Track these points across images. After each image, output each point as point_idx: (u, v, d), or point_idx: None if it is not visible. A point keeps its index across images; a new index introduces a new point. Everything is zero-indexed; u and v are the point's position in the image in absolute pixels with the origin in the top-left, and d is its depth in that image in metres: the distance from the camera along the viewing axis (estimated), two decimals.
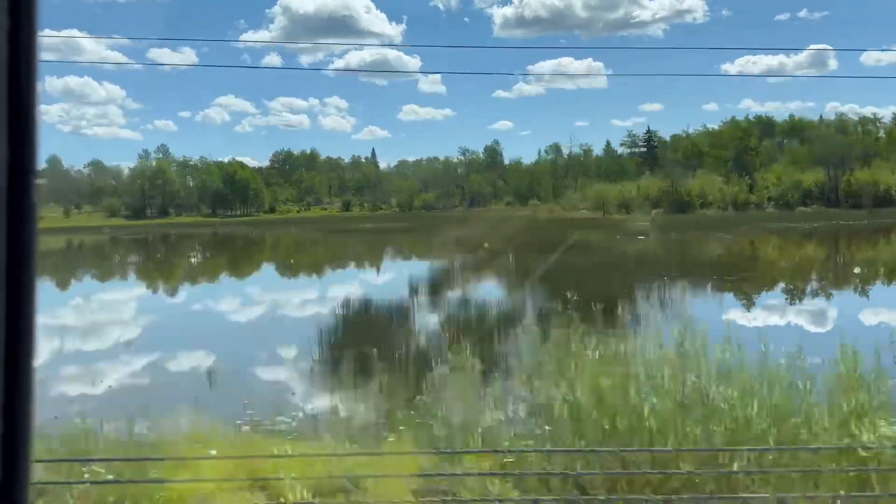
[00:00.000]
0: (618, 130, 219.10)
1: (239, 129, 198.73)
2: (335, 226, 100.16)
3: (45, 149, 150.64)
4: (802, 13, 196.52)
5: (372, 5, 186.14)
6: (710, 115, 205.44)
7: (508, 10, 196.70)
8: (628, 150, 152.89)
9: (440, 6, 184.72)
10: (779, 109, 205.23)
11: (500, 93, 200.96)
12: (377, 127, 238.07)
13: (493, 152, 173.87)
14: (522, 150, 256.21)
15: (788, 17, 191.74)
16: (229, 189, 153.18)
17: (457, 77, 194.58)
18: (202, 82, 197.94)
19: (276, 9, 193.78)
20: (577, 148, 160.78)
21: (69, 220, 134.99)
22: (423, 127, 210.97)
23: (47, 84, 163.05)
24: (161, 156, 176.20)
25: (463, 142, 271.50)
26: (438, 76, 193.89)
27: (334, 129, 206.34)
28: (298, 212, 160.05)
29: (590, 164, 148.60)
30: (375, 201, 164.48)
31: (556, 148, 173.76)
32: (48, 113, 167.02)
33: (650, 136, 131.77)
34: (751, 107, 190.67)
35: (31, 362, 0.85)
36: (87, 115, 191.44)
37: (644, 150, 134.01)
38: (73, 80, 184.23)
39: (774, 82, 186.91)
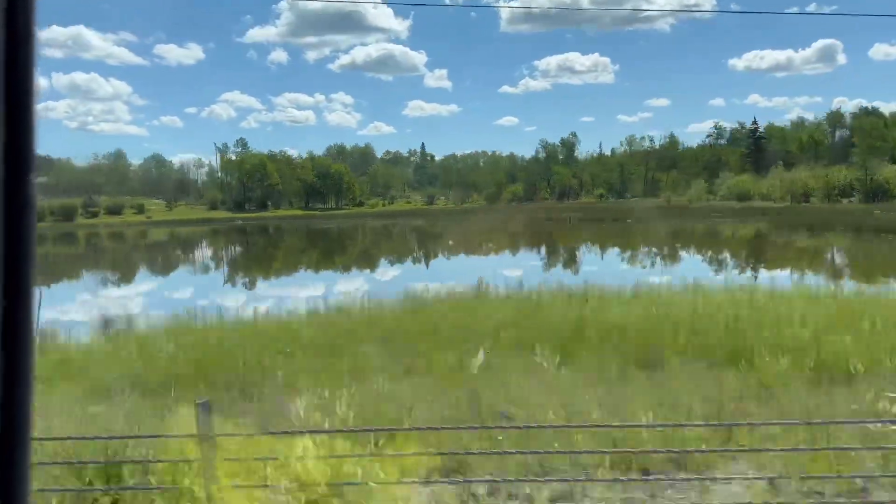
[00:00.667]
0: (624, 126, 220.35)
1: (245, 125, 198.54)
2: (497, 217, 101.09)
3: (54, 145, 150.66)
4: (811, 7, 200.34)
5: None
6: (717, 110, 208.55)
7: (515, 5, 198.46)
8: (713, 142, 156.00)
9: (447, 1, 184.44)
10: (786, 104, 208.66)
11: (506, 88, 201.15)
12: (382, 123, 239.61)
13: (569, 145, 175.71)
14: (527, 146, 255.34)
15: (797, 11, 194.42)
16: (322, 183, 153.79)
17: (463, 72, 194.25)
18: (208, 78, 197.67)
19: (283, 4, 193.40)
20: (664, 140, 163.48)
21: (174, 213, 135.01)
22: (428, 122, 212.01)
23: (54, 80, 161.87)
24: (241, 149, 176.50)
25: (468, 137, 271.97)
26: (444, 71, 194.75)
27: (339, 124, 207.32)
28: (384, 205, 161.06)
29: (678, 157, 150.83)
30: (462, 194, 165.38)
31: (630, 140, 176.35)
32: (55, 109, 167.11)
33: (755, 128, 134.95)
34: (758, 102, 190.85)
35: (29, 360, 0.85)
36: (94, 111, 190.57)
37: (749, 141, 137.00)
38: (79, 77, 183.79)
39: (782, 77, 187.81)
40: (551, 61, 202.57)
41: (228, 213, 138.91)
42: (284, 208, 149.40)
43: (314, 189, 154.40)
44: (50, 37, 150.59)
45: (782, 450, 5.56)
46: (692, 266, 36.81)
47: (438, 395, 8.22)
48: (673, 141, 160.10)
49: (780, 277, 25.33)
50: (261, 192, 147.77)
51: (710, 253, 45.79)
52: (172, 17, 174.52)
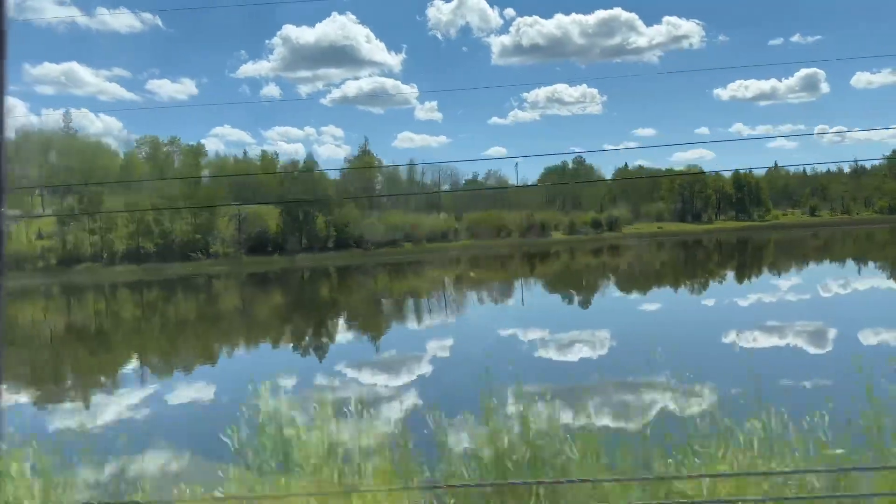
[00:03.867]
0: (611, 156, 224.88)
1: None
2: None
3: None
4: (795, 37, 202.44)
5: (372, 35, 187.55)
6: (702, 139, 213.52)
7: (506, 39, 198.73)
8: None
9: (439, 36, 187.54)
10: (770, 132, 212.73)
11: (495, 119, 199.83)
12: (372, 154, 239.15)
13: None
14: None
15: (782, 41, 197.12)
16: (737, 193, 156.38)
17: (453, 104, 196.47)
18: (200, 113, 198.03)
19: (276, 40, 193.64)
20: None
21: (644, 226, 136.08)
22: (417, 154, 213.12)
23: (44, 116, 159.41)
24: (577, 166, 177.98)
25: (457, 167, 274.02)
26: (435, 103, 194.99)
27: (329, 157, 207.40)
28: (778, 217, 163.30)
29: None
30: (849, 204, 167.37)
31: None
32: None
33: None
34: (741, 130, 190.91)
35: None
36: None
37: None
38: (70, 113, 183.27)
39: (766, 105, 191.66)
40: (540, 93, 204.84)
41: (675, 224, 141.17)
42: (721, 219, 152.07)
43: (728, 199, 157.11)
44: (42, 73, 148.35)
45: None
46: None
47: None
48: None
49: None
50: (694, 204, 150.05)
51: None
52: (166, 53, 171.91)
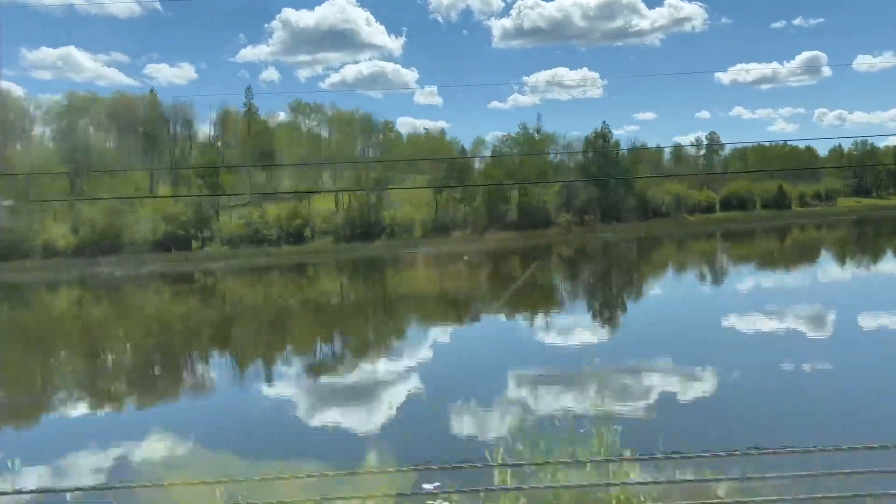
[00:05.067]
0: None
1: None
2: None
3: None
4: (797, 20, 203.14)
5: (372, 18, 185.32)
6: (702, 122, 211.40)
7: (507, 22, 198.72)
8: None
9: (440, 19, 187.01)
10: (770, 115, 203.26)
11: (495, 104, 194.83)
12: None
13: None
14: None
15: (784, 24, 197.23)
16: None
17: (453, 88, 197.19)
18: (198, 98, 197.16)
19: (276, 23, 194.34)
20: None
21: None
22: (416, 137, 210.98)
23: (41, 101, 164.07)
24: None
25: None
26: (435, 88, 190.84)
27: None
28: None
29: None
30: None
31: None
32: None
33: None
34: (742, 114, 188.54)
35: None
36: None
37: None
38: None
39: (766, 89, 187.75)
40: (540, 77, 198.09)
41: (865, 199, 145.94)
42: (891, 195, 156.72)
43: (892, 176, 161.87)
44: (38, 58, 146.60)
45: None
46: None
47: None
48: None
49: None
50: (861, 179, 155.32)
51: None
52: (165, 37, 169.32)
